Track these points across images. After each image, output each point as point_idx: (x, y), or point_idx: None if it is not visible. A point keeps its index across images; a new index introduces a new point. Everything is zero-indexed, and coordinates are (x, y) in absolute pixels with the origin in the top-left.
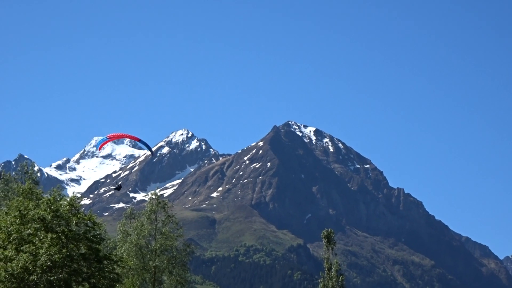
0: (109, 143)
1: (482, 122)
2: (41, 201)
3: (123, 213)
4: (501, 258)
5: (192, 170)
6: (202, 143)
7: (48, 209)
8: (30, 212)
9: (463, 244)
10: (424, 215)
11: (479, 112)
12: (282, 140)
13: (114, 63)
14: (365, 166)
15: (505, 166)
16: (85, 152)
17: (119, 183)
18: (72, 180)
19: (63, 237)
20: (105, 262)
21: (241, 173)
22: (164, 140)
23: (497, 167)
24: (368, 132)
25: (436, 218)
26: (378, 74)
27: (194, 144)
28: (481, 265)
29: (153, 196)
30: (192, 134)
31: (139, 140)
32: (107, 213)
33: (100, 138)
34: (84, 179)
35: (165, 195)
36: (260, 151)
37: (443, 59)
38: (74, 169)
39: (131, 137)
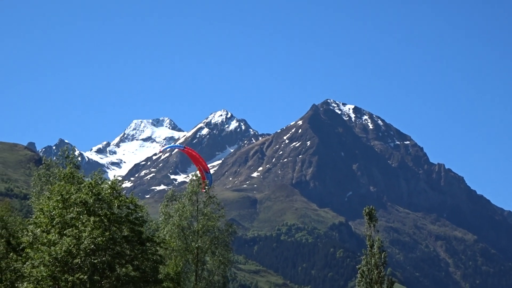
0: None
1: None
2: (82, 185)
3: (164, 195)
4: None
5: (232, 150)
6: (242, 124)
7: (90, 192)
8: (72, 196)
9: (506, 218)
10: (466, 190)
11: None
12: (321, 119)
13: (150, 46)
14: (405, 142)
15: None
16: (125, 136)
17: None
18: (113, 163)
19: (106, 220)
20: (147, 244)
21: (281, 152)
22: (203, 121)
23: None
24: (408, 108)
25: (478, 193)
26: (415, 50)
27: (233, 124)
28: None
29: (194, 177)
30: (231, 115)
31: (208, 171)
32: (148, 196)
33: (172, 144)
34: (124, 162)
35: None
36: (300, 130)
37: (484, 33)
38: (115, 152)
39: (202, 164)
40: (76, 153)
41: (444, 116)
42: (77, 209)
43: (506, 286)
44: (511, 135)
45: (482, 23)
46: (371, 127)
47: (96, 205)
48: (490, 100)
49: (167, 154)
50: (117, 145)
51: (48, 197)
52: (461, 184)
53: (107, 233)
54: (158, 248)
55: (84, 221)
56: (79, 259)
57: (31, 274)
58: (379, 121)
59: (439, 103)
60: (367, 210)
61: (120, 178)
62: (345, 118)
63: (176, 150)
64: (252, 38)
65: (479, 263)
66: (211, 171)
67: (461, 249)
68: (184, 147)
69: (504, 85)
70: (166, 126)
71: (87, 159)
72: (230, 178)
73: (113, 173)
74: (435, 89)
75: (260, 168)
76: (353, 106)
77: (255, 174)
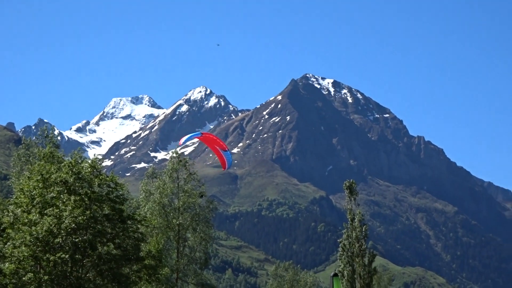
0: (128, 103)
1: (502, 66)
2: (62, 164)
3: (144, 173)
4: None
5: (211, 127)
6: (221, 100)
7: (70, 172)
8: (52, 176)
9: (486, 189)
10: (446, 162)
11: (499, 56)
12: (301, 93)
13: (128, 23)
14: (385, 115)
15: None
16: (104, 114)
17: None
18: (93, 142)
19: (86, 199)
20: (129, 222)
21: (261, 128)
22: (182, 98)
23: None
24: (387, 81)
25: (458, 164)
26: (394, 23)
27: (212, 101)
28: (504, 209)
29: (174, 155)
30: (211, 91)
31: (226, 150)
32: (128, 174)
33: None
34: (104, 140)
35: (186, 153)
36: (279, 105)
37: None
38: (94, 131)
39: (219, 144)
40: (56, 132)
41: (423, 89)
42: (58, 189)
43: (486, 257)
44: (490, 107)
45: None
46: (350, 100)
47: (77, 184)
48: (467, 72)
49: (147, 132)
50: (97, 123)
51: (28, 177)
52: (441, 156)
53: (88, 212)
54: (139, 226)
55: (64, 200)
56: (60, 239)
57: (12, 254)
58: (358, 95)
59: (417, 75)
60: (347, 184)
61: (100, 157)
62: (324, 93)
63: (156, 127)
64: (231, 14)
65: (460, 235)
66: (191, 148)
67: (442, 221)
68: (201, 134)
69: (481, 56)
70: (146, 104)
71: (66, 138)
72: (211, 155)
73: (93, 152)
74: (413, 62)
75: (240, 144)
76: (332, 80)
77: (235, 150)
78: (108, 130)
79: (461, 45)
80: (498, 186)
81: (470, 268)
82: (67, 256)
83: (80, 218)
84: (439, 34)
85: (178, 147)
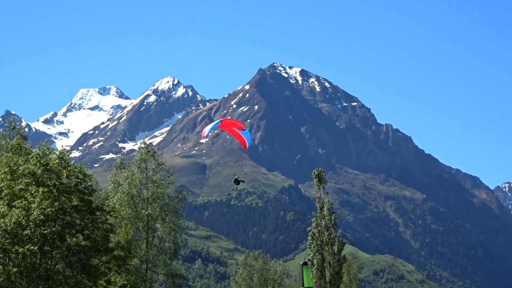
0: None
1: (468, 53)
2: (30, 156)
3: (113, 164)
4: (492, 188)
5: (180, 117)
6: (189, 90)
7: (38, 163)
8: (20, 168)
9: (454, 176)
10: (414, 150)
11: (466, 43)
12: (268, 82)
13: (95, 13)
14: (353, 103)
15: (492, 97)
16: (72, 105)
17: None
18: (61, 133)
19: (55, 191)
20: (97, 213)
21: (229, 117)
22: (150, 88)
23: (484, 98)
24: (354, 69)
25: (426, 152)
26: (359, 10)
27: (180, 91)
28: (472, 196)
29: (142, 145)
30: (178, 81)
31: (244, 129)
32: (97, 165)
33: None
34: (72, 131)
35: (154, 143)
36: (247, 95)
37: None
38: (62, 122)
39: (236, 125)
40: (23, 124)
41: (390, 76)
42: (26, 180)
43: (455, 244)
44: (457, 94)
45: None
46: (318, 89)
47: (45, 175)
48: (434, 60)
49: (114, 123)
50: (64, 114)
51: None
52: (409, 143)
53: (56, 204)
54: (108, 216)
55: (33, 192)
56: (29, 230)
57: None
58: (326, 83)
59: (384, 63)
60: (316, 173)
61: (68, 148)
62: (292, 81)
63: (123, 118)
64: (197, 3)
65: (428, 222)
66: (160, 138)
67: (410, 209)
68: (221, 121)
69: (447, 43)
70: (113, 95)
71: (34, 130)
72: (179, 145)
73: (61, 143)
74: (380, 49)
75: (209, 134)
76: (299, 69)
77: (203, 140)
78: (76, 121)
79: (426, 32)
80: (466, 173)
81: (439, 255)
82: (36, 248)
83: (48, 209)
84: (405, 21)
85: (203, 138)
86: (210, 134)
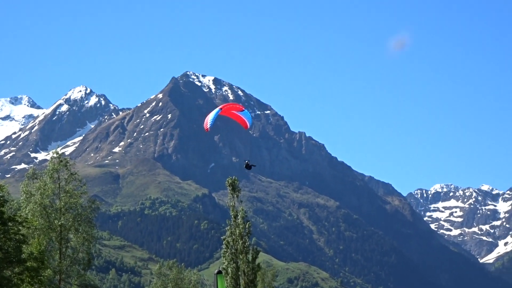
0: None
1: (378, 60)
2: None
3: (25, 174)
4: (405, 194)
5: (92, 126)
6: (101, 99)
7: None
8: None
9: (366, 183)
10: (327, 157)
11: (373, 50)
12: (182, 91)
13: (5, 23)
14: (266, 112)
15: (402, 104)
16: None
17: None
18: None
19: None
20: (9, 223)
21: (142, 126)
22: (62, 98)
23: (395, 106)
24: (267, 77)
25: (339, 159)
26: (270, 19)
27: (93, 100)
28: (385, 202)
29: (55, 155)
30: (91, 90)
31: (243, 110)
32: (8, 175)
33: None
34: None
35: (67, 153)
36: (160, 103)
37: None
38: None
39: (235, 107)
40: None
41: (303, 85)
42: None
43: (369, 250)
44: (368, 102)
45: None
46: (231, 98)
47: None
48: (345, 67)
49: (26, 132)
50: None
51: None
52: (322, 151)
53: None
54: (20, 227)
55: None
56: None
57: None
58: (239, 92)
59: (297, 71)
60: (229, 181)
61: None
62: (205, 90)
63: (35, 127)
64: (110, 11)
65: (342, 229)
66: (72, 148)
67: (324, 216)
68: (221, 109)
69: (357, 51)
70: (25, 104)
71: None
72: (92, 154)
73: None
74: (293, 57)
75: (122, 143)
76: (212, 78)
77: (116, 149)
78: None
79: (336, 40)
80: (379, 180)
81: (353, 262)
82: None
83: None
84: (315, 29)
85: (207, 131)
86: (210, 127)
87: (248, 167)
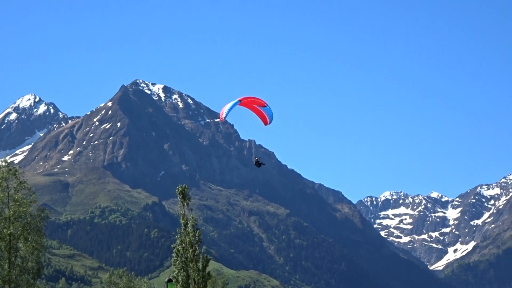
0: None
1: (321, 69)
2: None
3: None
4: (354, 202)
5: (41, 134)
6: (50, 107)
7: None
8: None
9: (317, 191)
10: (277, 165)
11: (322, 54)
12: (131, 99)
13: None
14: (216, 120)
15: (351, 111)
16: None
17: (256, 159)
18: None
19: None
20: None
21: (92, 134)
22: (11, 106)
23: (344, 114)
24: (216, 85)
25: (289, 167)
26: (217, 25)
27: (42, 108)
28: (335, 210)
29: (3, 164)
30: (40, 99)
31: (265, 106)
32: None
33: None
34: None
35: (16, 161)
36: (110, 112)
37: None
38: None
39: (257, 102)
40: None
41: (251, 91)
42: None
43: (319, 258)
44: (317, 109)
45: None
46: (181, 106)
47: None
48: (292, 73)
49: None
50: None
51: None
52: (272, 159)
53: None
54: None
55: None
56: None
57: None
58: (189, 100)
59: (245, 78)
60: (180, 189)
61: None
62: (154, 98)
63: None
64: (59, 19)
65: (292, 237)
66: (21, 157)
67: (274, 224)
68: (241, 101)
69: (301, 56)
70: None
71: None
72: (41, 163)
73: None
74: (242, 66)
75: (71, 152)
76: (162, 86)
77: (66, 158)
78: None
79: (283, 47)
80: (329, 187)
81: (303, 270)
82: None
83: None
84: (261, 38)
85: (221, 121)
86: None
87: (258, 164)
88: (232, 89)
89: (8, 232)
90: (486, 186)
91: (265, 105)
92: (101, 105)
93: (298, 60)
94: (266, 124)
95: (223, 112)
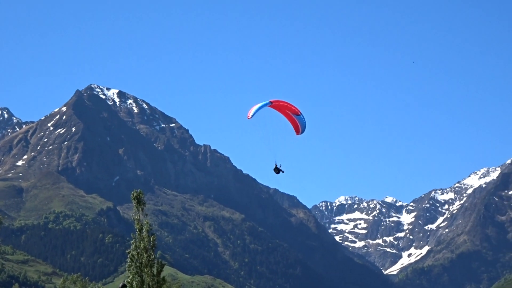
0: None
1: (274, 76)
2: None
3: None
4: (309, 207)
5: None
6: (4, 112)
7: None
8: None
9: (271, 196)
10: (232, 170)
11: (283, 57)
12: (86, 104)
13: None
14: (171, 125)
15: (307, 117)
16: None
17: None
18: None
19: None
20: None
21: (46, 139)
22: None
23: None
24: (172, 90)
25: (244, 172)
26: (174, 29)
27: None
28: (290, 215)
29: None
30: None
31: (299, 114)
32: None
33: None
34: None
35: None
36: (64, 117)
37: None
38: None
39: (291, 109)
40: None
41: (207, 98)
42: None
43: (274, 262)
44: (270, 115)
45: None
46: (136, 111)
47: None
48: (243, 80)
49: None
50: None
51: None
52: (227, 164)
53: None
54: None
55: None
56: None
57: None
58: (144, 105)
59: (201, 84)
60: (135, 194)
61: None
62: (109, 103)
63: None
64: (13, 24)
65: (247, 242)
66: None
67: (229, 229)
68: (271, 102)
69: (255, 60)
70: None
71: None
72: None
73: None
74: (197, 71)
75: (25, 157)
76: (117, 91)
77: (20, 163)
78: None
79: (238, 55)
80: (284, 192)
81: (258, 275)
82: None
83: None
84: (216, 43)
85: (249, 118)
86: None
87: (277, 170)
88: (187, 94)
89: None
90: (440, 190)
91: (299, 113)
92: (56, 110)
93: (251, 67)
94: (298, 133)
95: (251, 111)
